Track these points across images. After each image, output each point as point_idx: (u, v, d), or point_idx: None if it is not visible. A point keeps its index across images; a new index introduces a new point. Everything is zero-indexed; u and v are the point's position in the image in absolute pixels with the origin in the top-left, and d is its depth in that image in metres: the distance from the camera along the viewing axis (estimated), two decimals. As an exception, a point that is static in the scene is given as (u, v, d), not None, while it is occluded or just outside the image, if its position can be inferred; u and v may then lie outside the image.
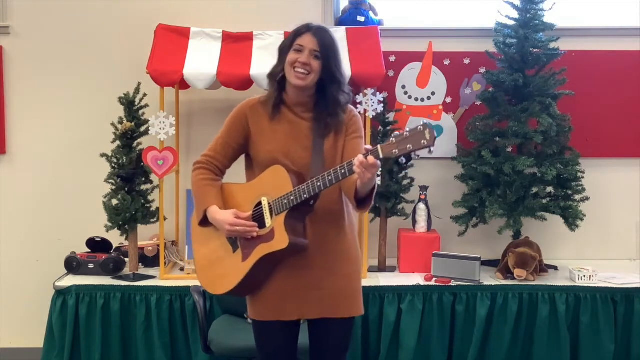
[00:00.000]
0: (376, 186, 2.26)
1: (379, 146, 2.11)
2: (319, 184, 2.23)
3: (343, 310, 2.42)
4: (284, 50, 2.40)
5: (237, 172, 2.56)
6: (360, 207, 2.30)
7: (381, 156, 2.10)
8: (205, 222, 2.42)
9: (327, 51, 2.35)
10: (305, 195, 2.24)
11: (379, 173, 3.45)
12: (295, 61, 2.34)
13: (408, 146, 2.06)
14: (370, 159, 2.10)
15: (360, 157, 2.11)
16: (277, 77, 2.40)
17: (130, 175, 3.59)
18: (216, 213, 2.38)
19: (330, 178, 2.21)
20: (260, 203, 2.35)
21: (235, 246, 2.39)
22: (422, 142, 2.04)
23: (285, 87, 2.41)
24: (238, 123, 2.43)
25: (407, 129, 2.08)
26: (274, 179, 2.33)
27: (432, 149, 2.05)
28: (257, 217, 2.36)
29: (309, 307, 2.39)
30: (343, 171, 2.19)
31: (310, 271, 2.37)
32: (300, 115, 2.41)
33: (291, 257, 2.33)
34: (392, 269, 3.79)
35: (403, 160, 2.03)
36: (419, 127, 2.05)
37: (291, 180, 2.28)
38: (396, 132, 2.12)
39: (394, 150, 2.08)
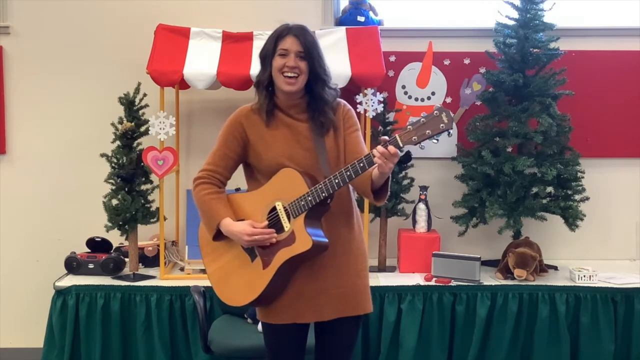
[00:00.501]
0: (390, 176, 2.25)
1: (397, 135, 2.10)
2: (337, 181, 2.21)
3: (355, 308, 2.41)
4: (267, 57, 2.37)
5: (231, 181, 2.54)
6: (377, 198, 2.29)
7: (401, 145, 2.10)
8: (217, 235, 2.40)
9: (310, 51, 2.33)
10: (323, 194, 2.23)
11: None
12: (283, 66, 2.32)
13: (427, 132, 2.06)
14: (391, 148, 2.10)
15: (380, 147, 2.11)
16: (265, 84, 2.38)
17: (130, 175, 3.59)
18: (231, 225, 2.34)
19: (348, 173, 2.19)
20: (274, 209, 2.33)
21: (253, 255, 2.36)
22: (441, 125, 2.05)
23: (275, 92, 2.39)
24: (235, 132, 2.41)
25: (423, 116, 2.08)
26: (286, 182, 2.30)
27: (451, 131, 2.06)
28: (273, 223, 2.33)
29: (324, 309, 2.37)
30: (362, 164, 2.17)
31: (324, 271, 2.35)
32: (295, 117, 2.39)
33: (311, 260, 2.31)
34: (392, 269, 3.79)
35: (423, 146, 2.02)
36: (435, 112, 2.06)
37: (305, 181, 2.27)
38: (411, 119, 2.11)
39: (413, 138, 2.08)
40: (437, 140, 2.08)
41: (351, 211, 2.42)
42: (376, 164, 2.14)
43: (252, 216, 2.36)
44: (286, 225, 2.30)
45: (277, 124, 2.39)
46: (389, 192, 2.30)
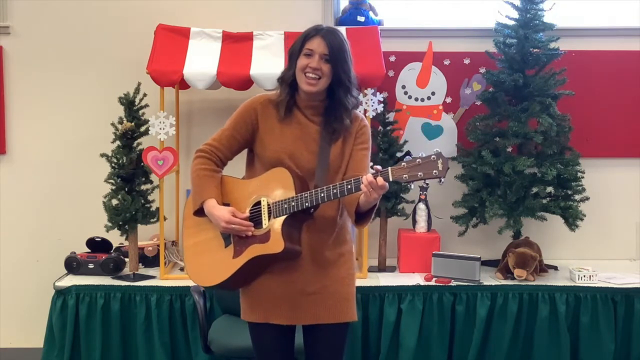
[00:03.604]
0: (377, 204, 2.26)
1: (389, 169, 2.11)
2: (322, 195, 2.22)
3: (334, 316, 2.40)
4: (293, 54, 2.37)
5: (234, 166, 2.55)
6: (358, 222, 2.30)
7: (391, 179, 2.11)
8: (200, 212, 2.40)
9: (336, 55, 2.32)
10: (306, 204, 2.24)
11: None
12: (306, 66, 2.32)
13: (419, 174, 2.08)
14: (380, 180, 2.11)
15: (370, 176, 2.12)
16: (288, 81, 2.38)
17: (130, 175, 3.59)
18: (213, 208, 2.35)
19: (335, 192, 2.20)
20: (259, 202, 2.35)
21: (227, 241, 2.38)
22: (434, 172, 2.07)
23: (298, 89, 2.39)
24: (247, 117, 2.41)
25: (420, 156, 2.09)
26: (277, 181, 2.31)
27: (442, 179, 2.07)
28: (254, 216, 2.35)
29: (301, 313, 2.38)
30: (349, 187, 2.18)
31: (301, 275, 2.36)
32: (310, 118, 2.39)
33: (282, 262, 2.33)
34: (392, 269, 3.79)
35: (411, 186, 2.07)
36: (432, 157, 2.07)
37: (294, 185, 2.27)
38: (408, 157, 2.12)
39: (404, 176, 2.09)
40: (427, 184, 2.10)
41: (335, 220, 2.40)
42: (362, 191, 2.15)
43: (237, 204, 2.38)
44: (265, 222, 2.31)
45: (291, 121, 2.39)
46: (371, 220, 2.31)
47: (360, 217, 2.29)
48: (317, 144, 2.36)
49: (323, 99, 2.38)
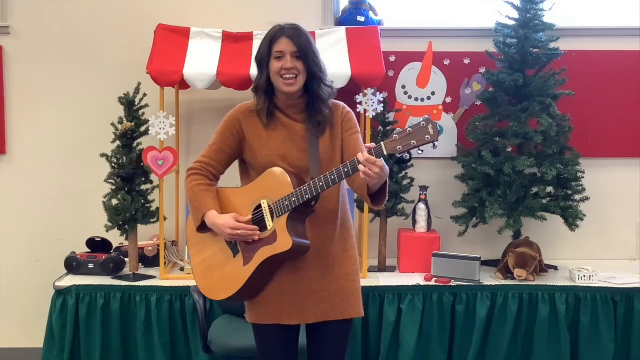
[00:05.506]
0: (388, 181, 2.24)
1: (382, 143, 2.11)
2: (321, 183, 2.22)
3: (341, 312, 2.40)
4: (263, 60, 2.38)
5: (230, 177, 2.55)
6: (375, 203, 2.28)
7: (385, 153, 2.11)
8: (203, 227, 2.41)
9: (305, 50, 2.34)
10: (307, 196, 2.24)
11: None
12: (281, 69, 2.33)
13: (412, 142, 2.07)
14: (373, 157, 2.10)
15: (366, 154, 2.11)
16: (264, 87, 2.39)
17: (130, 175, 3.59)
18: (215, 218, 2.35)
19: (333, 177, 2.20)
20: (259, 206, 2.35)
21: (235, 250, 2.38)
22: (426, 137, 2.06)
23: (275, 93, 2.40)
24: (232, 128, 2.42)
25: (410, 125, 2.08)
26: (273, 181, 2.32)
27: (436, 143, 2.06)
28: (257, 220, 2.35)
29: (309, 311, 2.38)
30: (346, 170, 2.18)
31: (307, 273, 2.36)
32: (293, 117, 2.40)
33: (293, 260, 2.33)
34: (392, 269, 3.79)
35: (407, 156, 2.05)
36: (422, 123, 2.06)
37: (291, 181, 2.28)
38: (398, 129, 2.12)
39: (397, 147, 2.09)
40: (422, 151, 2.09)
41: (336, 212, 2.41)
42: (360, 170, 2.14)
43: (238, 211, 2.38)
44: (269, 223, 2.31)
45: (275, 125, 2.40)
46: (386, 197, 2.28)
47: (375, 197, 2.27)
48: (305, 141, 2.37)
49: (300, 95, 2.39)
